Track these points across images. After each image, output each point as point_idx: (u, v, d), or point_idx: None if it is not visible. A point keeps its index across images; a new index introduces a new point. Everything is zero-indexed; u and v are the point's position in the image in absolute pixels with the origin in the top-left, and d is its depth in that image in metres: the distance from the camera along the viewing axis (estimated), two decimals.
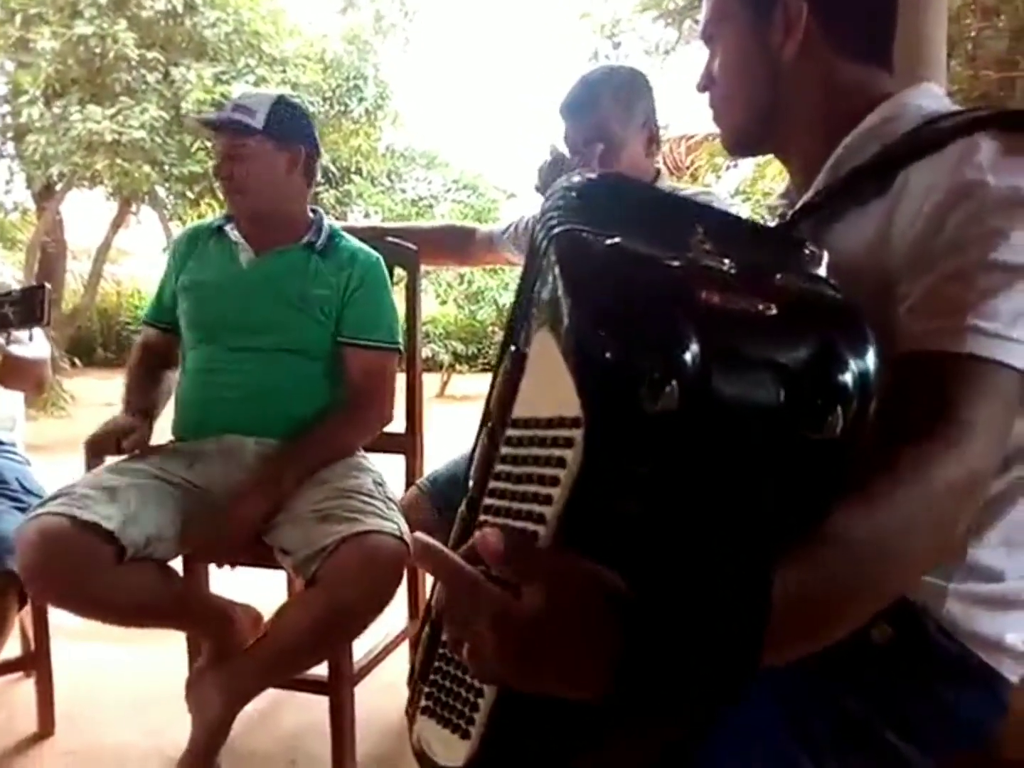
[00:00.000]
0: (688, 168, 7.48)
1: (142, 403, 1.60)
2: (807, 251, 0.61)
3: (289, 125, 1.56)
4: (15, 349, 1.54)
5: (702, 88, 0.87)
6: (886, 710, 0.69)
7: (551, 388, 0.49)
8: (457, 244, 1.92)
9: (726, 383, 0.46)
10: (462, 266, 2.06)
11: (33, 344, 1.64)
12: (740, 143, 0.88)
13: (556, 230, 0.54)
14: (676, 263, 0.50)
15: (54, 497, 1.37)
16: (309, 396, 1.58)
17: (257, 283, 1.58)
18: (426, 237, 1.90)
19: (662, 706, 0.47)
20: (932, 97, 0.78)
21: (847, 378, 0.49)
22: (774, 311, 0.49)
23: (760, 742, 0.67)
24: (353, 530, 1.32)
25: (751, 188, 7.06)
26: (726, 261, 0.52)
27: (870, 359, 0.50)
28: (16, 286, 1.69)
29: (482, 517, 0.58)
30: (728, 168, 6.32)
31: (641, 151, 1.57)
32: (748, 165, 6.83)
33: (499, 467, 0.57)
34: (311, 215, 1.66)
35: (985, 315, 0.61)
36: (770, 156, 0.93)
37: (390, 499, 1.47)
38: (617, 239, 0.50)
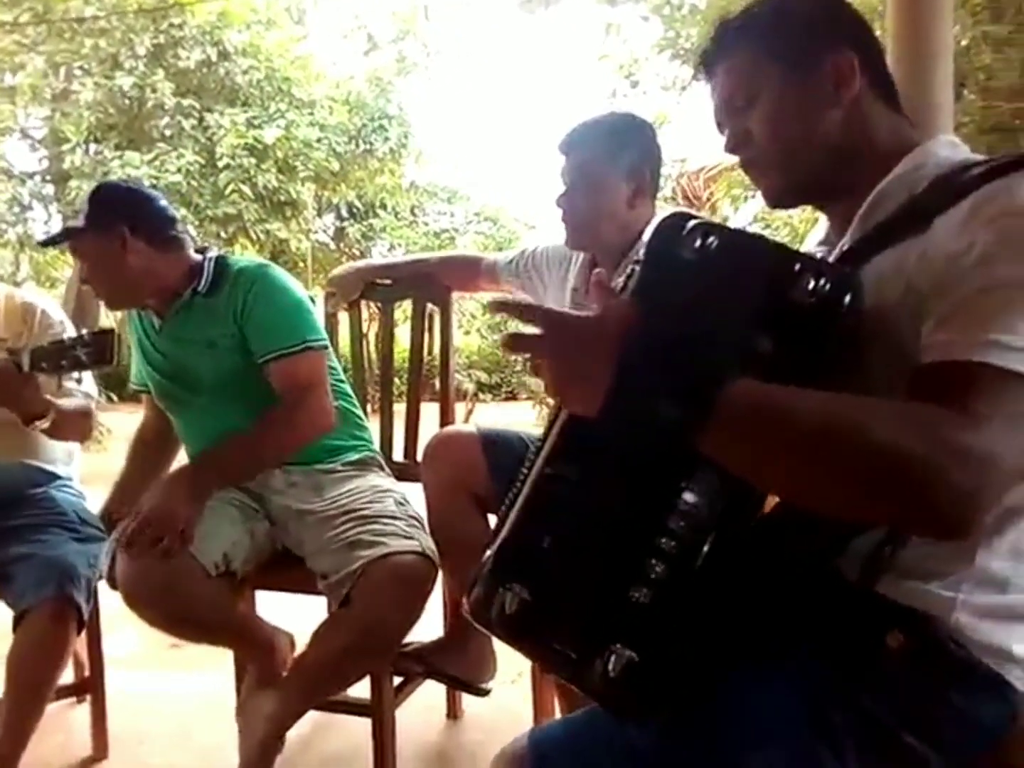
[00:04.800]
0: (707, 200, 7.56)
1: (116, 509, 1.72)
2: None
3: (106, 210, 1.59)
4: (65, 403, 1.65)
5: (735, 145, 0.90)
6: (904, 712, 0.74)
7: None
8: (461, 273, 1.95)
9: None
10: (465, 292, 2.08)
11: (82, 386, 1.77)
12: (788, 195, 0.90)
13: None
14: None
15: None
16: None
17: (171, 346, 1.66)
18: (433, 268, 1.95)
19: (641, 425, 0.67)
20: (952, 147, 0.85)
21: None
22: None
23: (781, 736, 0.73)
24: (378, 553, 1.41)
25: (769, 216, 7.11)
26: None
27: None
28: (70, 329, 1.81)
29: None
30: (746, 199, 6.39)
31: (622, 200, 1.52)
32: None
33: None
34: (196, 259, 1.65)
35: (1006, 329, 0.65)
36: None
37: (412, 516, 1.56)
38: None
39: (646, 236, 0.80)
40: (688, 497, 0.72)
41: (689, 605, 0.72)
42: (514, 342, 0.73)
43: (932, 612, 0.74)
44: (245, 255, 7.02)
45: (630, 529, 0.73)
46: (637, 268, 0.78)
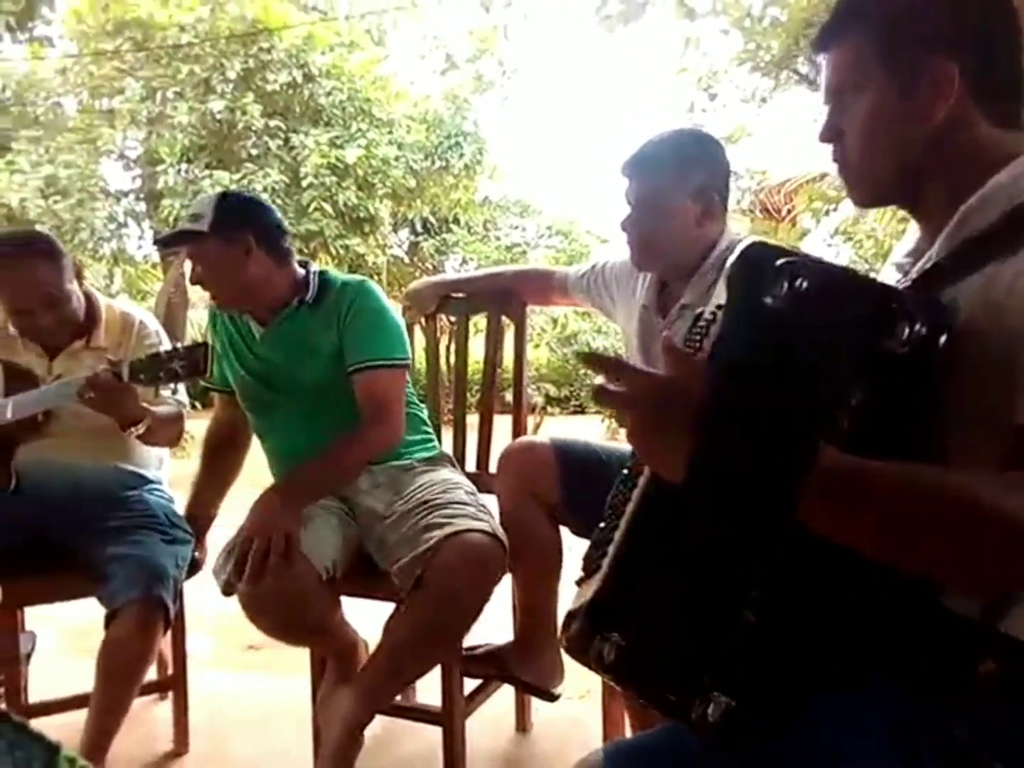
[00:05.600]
0: (788, 214, 7.41)
1: (199, 511, 1.87)
2: None
3: (233, 218, 1.62)
4: (160, 410, 1.73)
5: (826, 139, 0.87)
6: (995, 742, 0.70)
7: None
8: (535, 286, 1.96)
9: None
10: (538, 305, 2.11)
11: (176, 395, 1.85)
12: (871, 197, 0.88)
13: None
14: None
15: None
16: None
17: (271, 352, 1.71)
18: (508, 282, 1.97)
19: (727, 494, 0.66)
20: None
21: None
22: None
23: (870, 765, 0.71)
24: (448, 532, 1.45)
25: (852, 228, 6.90)
26: None
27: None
28: (165, 340, 1.90)
29: None
30: (828, 212, 6.22)
31: (689, 221, 1.49)
32: (850, 206, 6.67)
33: None
34: (300, 272, 1.72)
35: None
36: None
37: (483, 506, 1.59)
38: None
39: (728, 266, 0.76)
40: (780, 548, 0.71)
41: (782, 647, 0.73)
42: (599, 395, 0.71)
43: None
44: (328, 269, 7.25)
45: (723, 582, 0.74)
46: (719, 314, 0.75)
